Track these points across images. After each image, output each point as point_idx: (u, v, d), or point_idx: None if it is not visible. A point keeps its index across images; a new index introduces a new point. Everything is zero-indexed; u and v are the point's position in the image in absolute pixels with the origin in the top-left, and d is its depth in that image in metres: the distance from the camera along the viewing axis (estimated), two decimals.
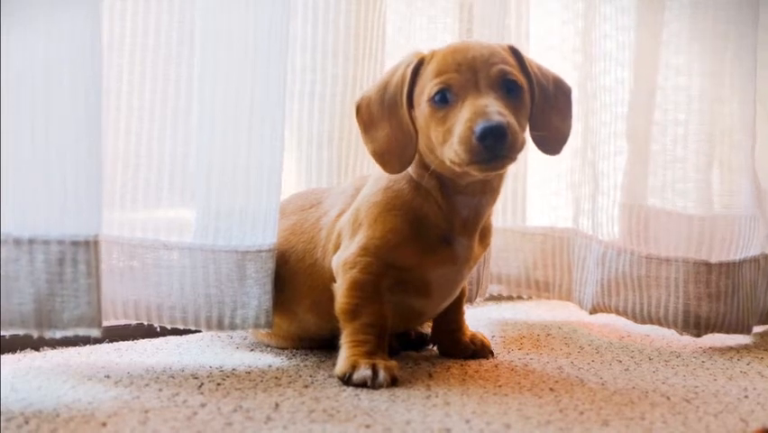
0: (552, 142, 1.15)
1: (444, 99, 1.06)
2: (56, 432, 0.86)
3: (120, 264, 1.16)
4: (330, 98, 1.39)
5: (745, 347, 1.40)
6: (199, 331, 1.32)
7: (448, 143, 1.05)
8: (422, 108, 1.09)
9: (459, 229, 1.14)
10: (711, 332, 1.41)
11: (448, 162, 1.06)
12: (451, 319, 1.26)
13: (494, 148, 1.01)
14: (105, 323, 1.26)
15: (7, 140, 0.98)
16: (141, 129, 1.17)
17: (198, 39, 1.17)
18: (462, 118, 1.03)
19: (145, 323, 1.18)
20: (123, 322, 1.26)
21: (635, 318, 1.46)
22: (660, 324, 1.44)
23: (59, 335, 1.00)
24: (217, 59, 1.15)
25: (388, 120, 1.12)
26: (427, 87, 1.08)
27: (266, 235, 1.18)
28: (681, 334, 1.43)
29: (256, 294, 1.17)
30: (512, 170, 1.60)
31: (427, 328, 1.33)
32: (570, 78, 1.59)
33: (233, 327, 1.18)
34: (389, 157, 1.12)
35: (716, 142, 1.46)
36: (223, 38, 1.15)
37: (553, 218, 1.67)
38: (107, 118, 1.16)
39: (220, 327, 1.17)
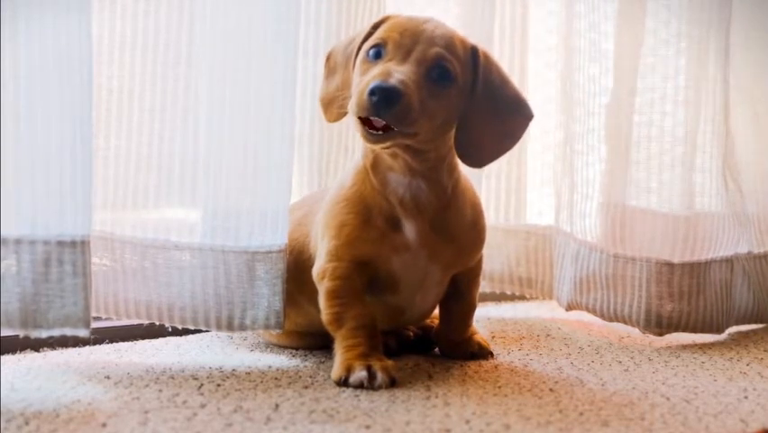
0: (474, 153, 1.13)
1: (378, 55, 1.08)
2: (56, 432, 0.86)
3: (133, 264, 1.16)
4: (311, 97, 1.39)
5: (745, 347, 1.40)
6: (201, 331, 1.32)
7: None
8: (359, 59, 1.11)
9: (400, 210, 1.13)
10: (674, 331, 1.42)
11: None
12: (454, 329, 1.26)
13: (378, 108, 1.01)
14: (116, 322, 1.27)
15: None
16: (152, 129, 1.18)
17: (207, 38, 1.17)
18: (370, 74, 1.04)
19: (157, 323, 1.18)
20: (127, 322, 1.27)
21: (602, 316, 1.47)
22: (625, 322, 1.45)
23: (44, 334, 1.00)
24: (226, 58, 1.16)
25: (342, 70, 1.15)
26: (370, 40, 1.10)
27: (275, 236, 1.18)
28: (644, 333, 1.43)
29: (266, 295, 1.17)
30: (495, 169, 1.61)
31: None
32: (554, 80, 1.60)
33: (242, 327, 1.18)
34: (330, 105, 1.16)
35: (690, 144, 1.46)
36: (231, 38, 1.15)
37: (545, 217, 1.67)
38: (120, 118, 1.17)
39: (230, 327, 1.18)
